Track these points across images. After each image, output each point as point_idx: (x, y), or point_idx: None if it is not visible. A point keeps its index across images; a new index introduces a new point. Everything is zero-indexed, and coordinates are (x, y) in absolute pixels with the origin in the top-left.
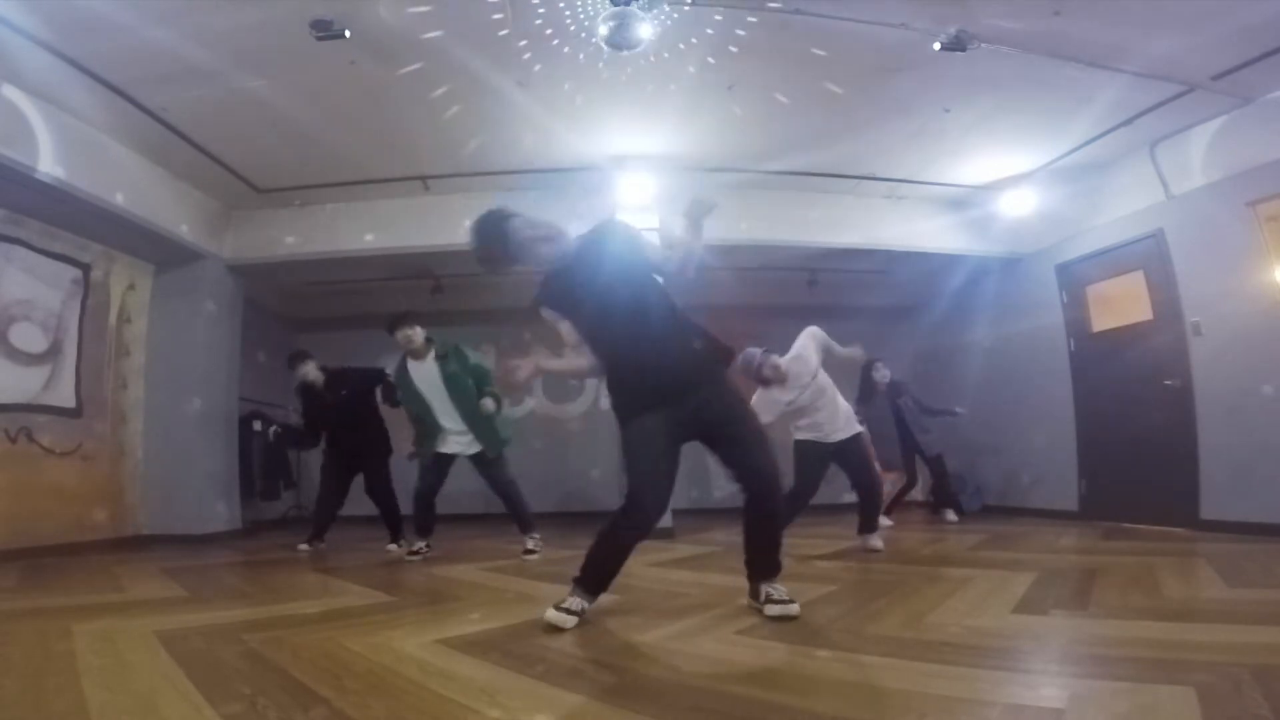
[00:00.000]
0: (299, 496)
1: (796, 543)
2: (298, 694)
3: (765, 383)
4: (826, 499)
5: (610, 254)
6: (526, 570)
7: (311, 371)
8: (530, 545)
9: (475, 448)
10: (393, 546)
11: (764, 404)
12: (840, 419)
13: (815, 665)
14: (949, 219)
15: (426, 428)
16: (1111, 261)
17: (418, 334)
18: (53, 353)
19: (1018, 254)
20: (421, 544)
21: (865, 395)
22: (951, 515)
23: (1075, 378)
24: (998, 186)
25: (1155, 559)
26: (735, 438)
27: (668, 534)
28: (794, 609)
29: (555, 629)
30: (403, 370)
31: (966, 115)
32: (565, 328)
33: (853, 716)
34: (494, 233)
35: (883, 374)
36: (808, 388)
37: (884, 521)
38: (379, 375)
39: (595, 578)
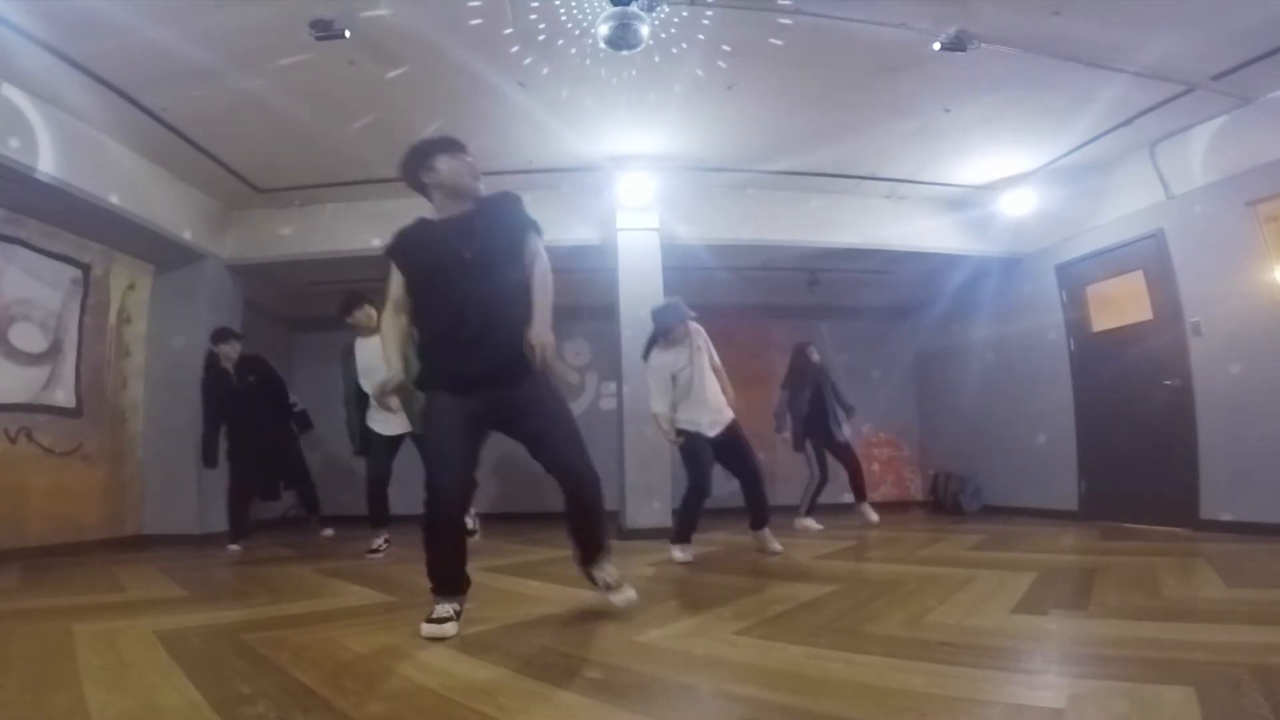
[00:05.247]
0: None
1: (796, 542)
2: (298, 694)
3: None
4: (827, 499)
5: (491, 225)
6: (527, 570)
7: (233, 351)
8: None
9: (405, 427)
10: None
11: (654, 373)
12: (709, 412)
13: (815, 665)
14: (949, 219)
15: (357, 407)
16: (1111, 261)
17: (374, 313)
18: (53, 352)
19: (1018, 254)
20: (381, 539)
21: (797, 376)
22: (872, 515)
23: (1075, 378)
24: (998, 186)
25: (1155, 559)
26: (538, 434)
27: (667, 534)
28: (631, 596)
29: (438, 639)
30: (349, 354)
31: (966, 115)
32: (395, 282)
33: (853, 716)
34: (415, 156)
35: (815, 356)
36: (686, 367)
37: (811, 524)
38: (286, 395)
39: (439, 577)
